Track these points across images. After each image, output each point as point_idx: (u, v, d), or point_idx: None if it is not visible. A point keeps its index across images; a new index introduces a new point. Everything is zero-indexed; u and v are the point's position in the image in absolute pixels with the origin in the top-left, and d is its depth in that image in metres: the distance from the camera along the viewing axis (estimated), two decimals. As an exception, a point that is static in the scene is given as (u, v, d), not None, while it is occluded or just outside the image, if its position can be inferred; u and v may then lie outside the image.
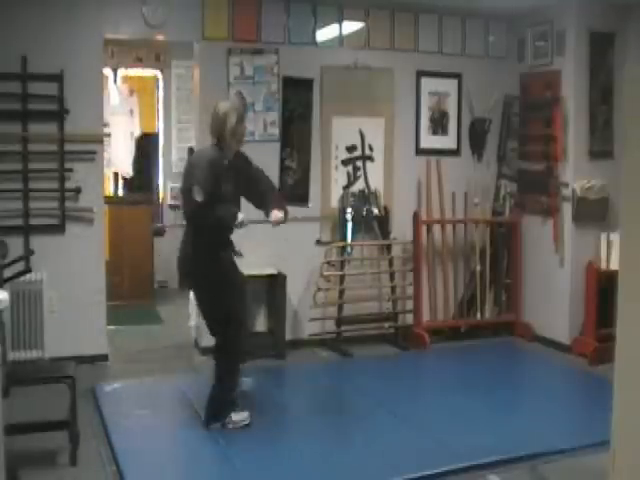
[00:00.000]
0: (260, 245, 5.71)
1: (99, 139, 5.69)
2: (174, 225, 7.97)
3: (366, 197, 6.34)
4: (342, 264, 6.19)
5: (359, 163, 6.41)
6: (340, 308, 6.19)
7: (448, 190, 6.62)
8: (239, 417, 4.38)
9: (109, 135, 7.78)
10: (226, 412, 4.37)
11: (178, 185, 8.56)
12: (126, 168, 8.41)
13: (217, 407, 4.39)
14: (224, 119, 4.27)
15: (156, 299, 7.90)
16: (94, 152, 5.61)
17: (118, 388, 5.18)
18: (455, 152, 6.71)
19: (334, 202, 6.32)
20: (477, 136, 6.76)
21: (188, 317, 6.38)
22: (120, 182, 8.51)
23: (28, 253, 5.06)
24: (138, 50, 8.31)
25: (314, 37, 6.15)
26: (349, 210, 6.21)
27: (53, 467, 3.91)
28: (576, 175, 6.14)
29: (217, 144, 4.32)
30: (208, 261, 4.27)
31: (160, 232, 8.41)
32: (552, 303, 6.35)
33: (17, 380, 3.89)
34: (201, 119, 5.96)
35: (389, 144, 6.49)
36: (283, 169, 6.13)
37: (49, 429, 4.03)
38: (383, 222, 6.38)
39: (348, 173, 6.38)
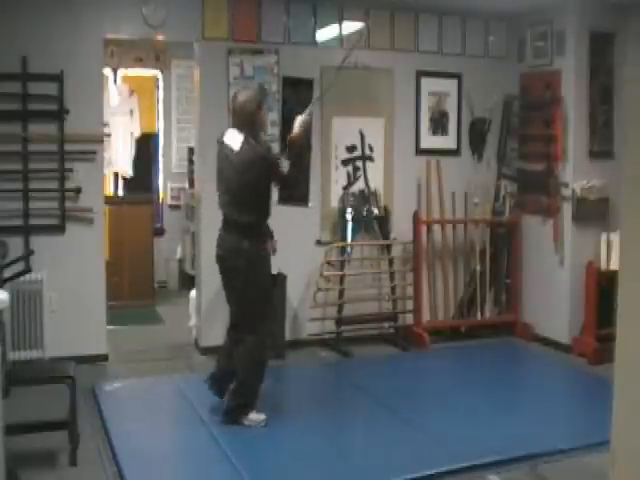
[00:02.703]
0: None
1: (99, 139, 5.69)
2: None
3: (366, 197, 6.33)
4: (342, 264, 6.19)
5: (359, 163, 6.41)
6: (340, 308, 6.19)
7: (448, 190, 6.62)
8: (257, 417, 4.41)
9: (109, 135, 7.79)
10: (245, 410, 4.40)
11: (178, 185, 8.69)
12: (126, 168, 8.42)
13: (237, 404, 4.41)
14: (243, 106, 4.37)
15: (156, 299, 7.89)
16: (94, 152, 5.61)
17: (118, 388, 5.19)
18: (455, 152, 6.71)
19: (334, 202, 6.32)
20: (477, 136, 6.76)
21: (188, 317, 6.37)
22: (120, 182, 8.51)
23: (28, 253, 5.06)
24: (138, 50, 8.30)
25: (314, 37, 6.15)
26: (349, 210, 6.21)
27: (53, 467, 3.91)
28: (576, 175, 6.15)
29: (244, 134, 4.36)
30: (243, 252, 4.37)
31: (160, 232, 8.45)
32: (552, 303, 6.35)
33: (17, 380, 3.89)
34: (201, 119, 5.98)
35: (389, 144, 6.49)
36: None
37: (49, 429, 4.03)
38: (383, 222, 6.38)
39: (348, 173, 6.38)
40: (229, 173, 4.38)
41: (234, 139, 4.37)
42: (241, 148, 4.31)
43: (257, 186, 4.34)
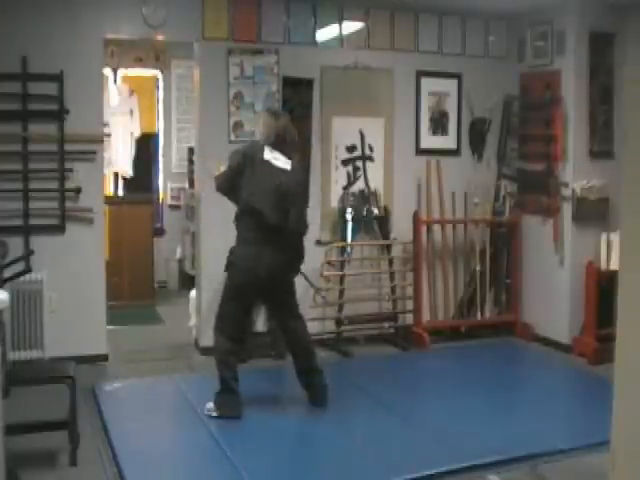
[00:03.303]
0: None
1: (99, 139, 5.69)
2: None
3: (366, 197, 6.33)
4: (342, 264, 6.20)
5: (359, 163, 6.41)
6: (340, 308, 6.19)
7: (448, 190, 6.62)
8: None
9: (109, 135, 7.79)
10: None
11: (178, 185, 8.70)
12: (126, 168, 8.42)
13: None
14: (291, 130, 4.67)
15: (156, 299, 7.90)
16: (94, 152, 5.61)
17: (118, 388, 5.19)
18: (455, 152, 6.71)
19: (334, 202, 6.32)
20: (477, 136, 6.76)
21: (188, 317, 6.37)
22: (120, 182, 8.51)
23: (28, 253, 5.06)
24: (138, 50, 8.31)
25: (314, 37, 6.15)
26: (349, 210, 6.21)
27: (53, 467, 3.91)
28: (576, 175, 6.15)
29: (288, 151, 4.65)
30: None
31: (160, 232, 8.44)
32: (552, 303, 6.35)
33: (17, 380, 3.89)
34: (201, 119, 5.98)
35: (389, 144, 6.49)
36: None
37: (49, 429, 4.02)
38: (383, 222, 6.38)
39: (348, 173, 6.38)
40: (283, 189, 4.48)
41: (281, 157, 4.55)
42: (294, 164, 4.63)
43: None
